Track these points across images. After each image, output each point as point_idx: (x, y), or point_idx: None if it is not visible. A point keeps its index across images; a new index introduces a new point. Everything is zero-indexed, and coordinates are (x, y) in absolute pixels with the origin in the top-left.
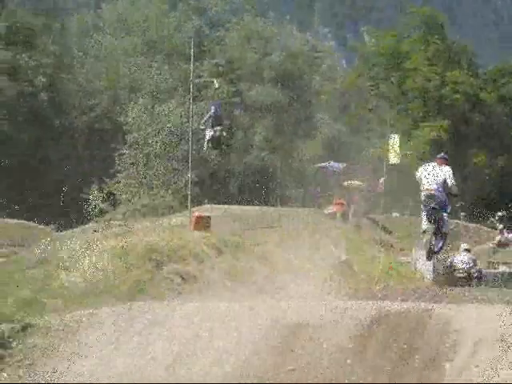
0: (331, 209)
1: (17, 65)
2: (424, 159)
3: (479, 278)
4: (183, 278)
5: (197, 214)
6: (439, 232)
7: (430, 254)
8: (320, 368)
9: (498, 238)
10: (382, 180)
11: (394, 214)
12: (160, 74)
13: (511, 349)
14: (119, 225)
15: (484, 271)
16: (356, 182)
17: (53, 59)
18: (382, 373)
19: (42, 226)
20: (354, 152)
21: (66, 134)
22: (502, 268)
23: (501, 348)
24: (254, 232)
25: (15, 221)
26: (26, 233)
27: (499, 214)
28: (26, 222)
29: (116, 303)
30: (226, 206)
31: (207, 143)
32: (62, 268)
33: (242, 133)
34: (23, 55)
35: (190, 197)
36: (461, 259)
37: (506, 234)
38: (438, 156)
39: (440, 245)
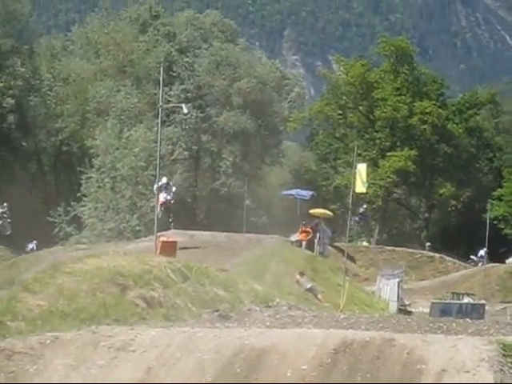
0: (297, 236)
1: None
2: (390, 188)
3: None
4: (148, 303)
5: (163, 238)
6: None
7: None
8: None
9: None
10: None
11: (363, 243)
12: (129, 98)
13: (474, 379)
14: (85, 248)
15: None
16: (322, 210)
17: (21, 81)
18: None
19: (2, 247)
20: (321, 180)
21: (33, 156)
22: (466, 299)
23: (463, 379)
24: (220, 258)
25: None
26: None
27: (481, 252)
28: None
29: (81, 327)
30: (192, 232)
31: (160, 207)
32: (26, 290)
33: (210, 159)
34: None
35: (156, 221)
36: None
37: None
38: None
39: None
